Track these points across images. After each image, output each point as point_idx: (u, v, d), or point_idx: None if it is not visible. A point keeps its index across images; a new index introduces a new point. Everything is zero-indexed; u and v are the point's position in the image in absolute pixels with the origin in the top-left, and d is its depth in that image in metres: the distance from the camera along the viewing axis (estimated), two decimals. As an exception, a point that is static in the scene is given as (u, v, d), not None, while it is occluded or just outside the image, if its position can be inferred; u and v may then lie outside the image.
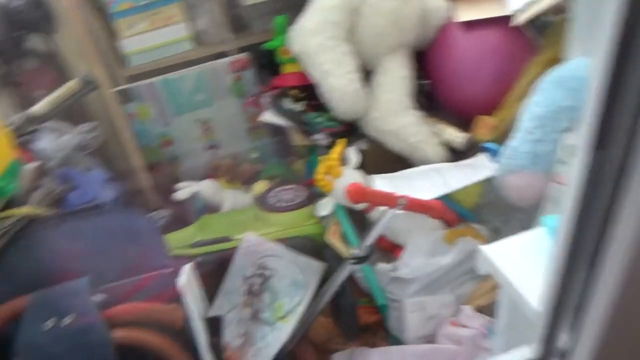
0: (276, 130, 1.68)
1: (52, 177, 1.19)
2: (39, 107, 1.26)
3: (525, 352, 0.54)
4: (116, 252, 0.93)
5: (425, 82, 1.43)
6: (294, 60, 1.45)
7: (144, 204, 1.56)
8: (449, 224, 1.17)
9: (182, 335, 0.91)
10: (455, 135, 1.31)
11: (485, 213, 1.18)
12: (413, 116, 1.34)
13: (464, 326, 1.00)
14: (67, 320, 0.81)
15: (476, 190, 1.18)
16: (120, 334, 0.82)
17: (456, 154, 1.30)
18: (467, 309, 1.02)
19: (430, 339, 1.06)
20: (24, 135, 1.28)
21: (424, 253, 1.08)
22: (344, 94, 1.32)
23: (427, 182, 1.18)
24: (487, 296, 1.03)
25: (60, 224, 0.95)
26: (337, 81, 1.32)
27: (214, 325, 1.05)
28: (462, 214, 1.20)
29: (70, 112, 1.43)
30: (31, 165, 1.03)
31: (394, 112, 1.34)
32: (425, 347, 1.01)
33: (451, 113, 1.41)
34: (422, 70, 1.43)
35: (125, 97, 1.62)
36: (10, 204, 0.96)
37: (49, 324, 0.81)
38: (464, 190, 1.15)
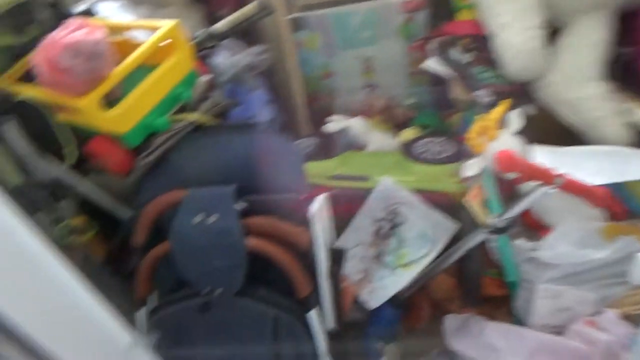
0: (437, 79, 1.60)
1: (221, 91, 1.30)
2: (220, 25, 1.37)
3: None
4: (259, 169, 0.99)
5: (626, 50, 1.21)
6: (471, 6, 1.34)
7: (295, 130, 1.64)
8: (613, 216, 1.02)
9: (306, 258, 0.97)
10: (649, 117, 1.11)
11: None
12: (599, 88, 1.16)
13: (603, 330, 0.89)
14: (212, 219, 0.92)
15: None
16: (252, 242, 0.90)
17: (643, 140, 1.11)
18: (611, 313, 0.91)
19: (556, 330, 0.97)
20: (203, 50, 1.41)
21: (573, 241, 0.97)
22: (519, 52, 1.19)
23: (599, 165, 1.03)
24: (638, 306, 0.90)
25: (220, 134, 1.05)
26: (514, 36, 1.19)
27: (337, 256, 1.09)
28: (635, 210, 1.03)
29: (246, 34, 1.52)
30: (205, 78, 1.14)
31: (577, 80, 1.17)
32: (549, 337, 0.93)
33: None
34: (625, 36, 1.21)
35: (297, 25, 1.67)
36: (182, 110, 1.09)
37: (198, 218, 0.92)
38: (645, 182, 0.98)
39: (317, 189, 1.19)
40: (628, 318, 0.90)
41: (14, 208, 0.54)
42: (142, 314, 1.01)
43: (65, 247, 1.12)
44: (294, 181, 1.00)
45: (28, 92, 1.00)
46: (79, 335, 0.56)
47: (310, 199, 0.98)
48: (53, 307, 0.53)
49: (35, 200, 1.10)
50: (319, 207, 0.98)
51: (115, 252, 1.22)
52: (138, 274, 1.00)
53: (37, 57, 0.94)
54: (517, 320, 1.06)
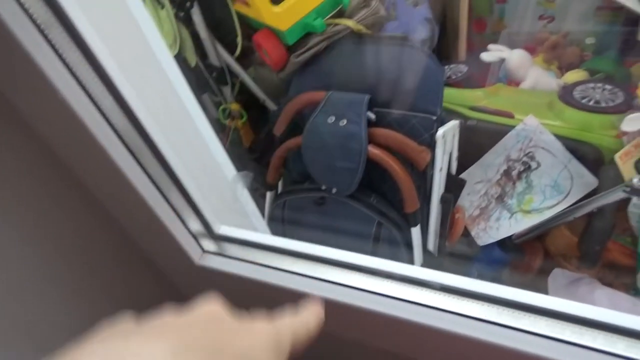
0: (628, 19, 1.38)
1: (382, 1, 1.31)
2: None
3: None
4: (398, 84, 1.01)
5: None
6: None
7: (452, 53, 1.59)
8: None
9: (423, 178, 1.00)
10: None
11: None
12: None
13: None
14: (343, 122, 0.99)
15: None
16: (374, 150, 0.96)
17: None
18: None
19: (677, 313, 0.87)
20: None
21: None
22: None
23: None
24: None
25: (370, 44, 1.08)
26: None
27: (456, 185, 1.09)
28: None
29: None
30: (368, -14, 1.15)
31: None
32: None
33: None
34: None
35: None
36: (340, 14, 1.13)
37: (331, 119, 1.00)
38: None
39: (452, 115, 1.18)
40: None
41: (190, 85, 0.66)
42: (269, 196, 1.17)
43: (222, 127, 1.32)
44: (429, 103, 1.00)
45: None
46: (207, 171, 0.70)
47: (440, 122, 0.99)
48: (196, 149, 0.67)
49: (206, 81, 1.29)
50: (445, 132, 0.98)
51: (260, 140, 1.38)
52: (271, 161, 1.13)
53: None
54: (636, 293, 0.97)
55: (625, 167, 1.02)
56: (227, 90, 1.30)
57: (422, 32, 1.36)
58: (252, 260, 0.63)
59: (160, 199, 0.58)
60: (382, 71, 1.05)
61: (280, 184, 1.19)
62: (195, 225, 0.63)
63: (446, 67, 1.47)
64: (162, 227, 0.60)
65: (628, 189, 0.85)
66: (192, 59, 1.23)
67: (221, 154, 0.71)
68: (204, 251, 0.67)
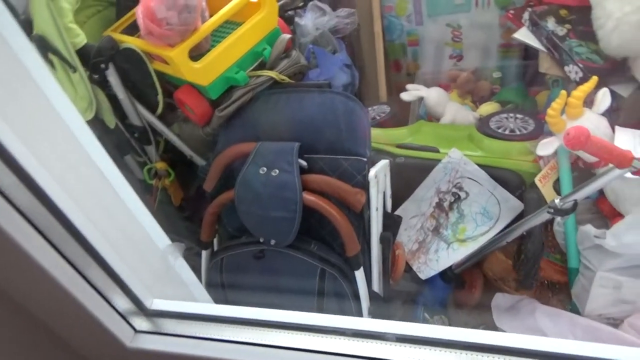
0: (527, 52, 1.51)
1: (302, 51, 1.34)
2: (309, -14, 1.39)
3: None
4: (326, 130, 1.03)
5: None
6: (573, -25, 1.23)
7: (372, 96, 1.65)
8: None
9: (360, 220, 1.00)
10: None
11: None
12: None
13: (663, 328, 0.83)
14: (275, 172, 0.98)
15: None
16: (308, 197, 0.95)
17: None
18: (677, 312, 0.84)
19: (613, 323, 0.92)
20: (290, 10, 1.45)
21: (646, 232, 0.90)
22: (622, 24, 1.09)
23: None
24: None
25: (294, 93, 1.09)
26: (619, 6, 1.08)
27: (393, 223, 1.10)
28: None
29: (335, -5, 1.54)
30: (286, 36, 1.18)
31: (684, 59, 1.05)
32: (601, 327, 0.89)
33: None
34: None
35: (388, -11, 1.65)
36: (261, 66, 1.14)
37: (263, 170, 0.98)
38: None
39: (381, 155, 1.21)
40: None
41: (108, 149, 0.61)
42: (205, 255, 1.11)
43: (148, 188, 1.26)
44: (358, 145, 1.02)
45: (130, 41, 1.10)
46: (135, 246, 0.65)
47: (370, 163, 1.00)
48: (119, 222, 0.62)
49: (128, 142, 1.24)
50: (378, 172, 1.00)
51: (190, 197, 1.34)
52: (204, 218, 1.09)
53: (139, 9, 1.03)
54: (572, 308, 1.01)
55: (545, 189, 1.08)
56: (151, 149, 1.25)
57: (342, 77, 1.40)
58: (192, 335, 0.58)
59: (76, 277, 0.52)
60: (309, 118, 1.05)
61: (215, 241, 1.14)
62: (123, 303, 0.57)
63: (369, 108, 1.51)
64: (82, 310, 0.54)
65: (552, 210, 0.90)
66: (111, 120, 1.18)
67: (149, 221, 0.66)
68: (136, 331, 0.60)
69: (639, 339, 0.84)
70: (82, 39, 1.08)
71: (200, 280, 1.03)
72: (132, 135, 1.22)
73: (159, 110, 1.20)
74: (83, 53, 1.08)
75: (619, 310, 0.92)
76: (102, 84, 1.12)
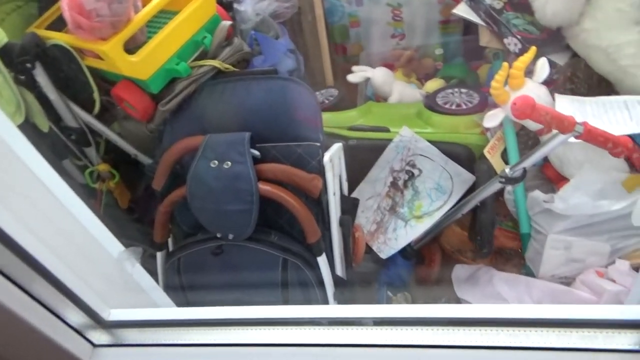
0: (468, 27, 1.54)
1: (244, 38, 1.30)
2: (245, -29, 1.35)
3: (637, 311, 0.46)
4: (276, 117, 1.00)
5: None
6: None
7: (319, 80, 1.63)
8: (636, 168, 0.98)
9: (318, 205, 0.99)
10: (688, 66, 1.04)
11: (691, 167, 0.96)
12: (637, 34, 1.08)
13: (612, 280, 0.88)
14: (227, 164, 0.94)
15: (690, 137, 0.95)
16: (264, 187, 0.93)
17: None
18: (623, 264, 0.89)
19: (566, 281, 0.96)
20: (228, -4, 1.40)
21: (590, 193, 0.94)
22: (556, -7, 1.12)
23: (625, 115, 0.99)
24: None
25: (239, 81, 1.06)
26: (551, -23, 1.11)
27: (350, 205, 1.10)
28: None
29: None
30: (227, 23, 1.13)
31: (613, 26, 1.10)
32: (555, 286, 0.93)
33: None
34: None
35: (325, -29, 1.62)
36: (204, 56, 1.09)
37: (214, 163, 0.95)
38: (673, 134, 0.94)
39: (334, 139, 1.20)
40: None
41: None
42: (160, 257, 1.07)
43: (92, 192, 1.19)
44: (310, 130, 1.00)
45: (57, 37, 1.03)
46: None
47: (324, 148, 0.99)
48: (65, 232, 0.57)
49: (65, 146, 1.16)
50: (332, 156, 0.99)
51: (138, 198, 1.28)
52: (156, 218, 1.04)
53: (64, 2, 0.96)
54: (527, 272, 1.05)
55: (494, 159, 1.11)
56: (91, 151, 1.18)
57: (288, 63, 1.37)
58: (156, 343, 0.55)
59: (20, 295, 0.48)
60: (258, 106, 1.02)
61: (170, 241, 1.10)
62: (76, 317, 0.53)
63: (317, 93, 1.50)
64: (31, 330, 0.49)
65: (503, 180, 0.92)
66: (44, 124, 1.10)
67: (97, 227, 0.62)
68: (94, 346, 0.56)
69: (590, 294, 0.89)
70: (1, 37, 1.00)
71: (159, 284, 0.99)
72: (69, 137, 1.14)
73: (96, 109, 1.13)
74: (4, 53, 1.00)
75: (570, 269, 0.97)
76: (30, 85, 1.04)
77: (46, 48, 1.03)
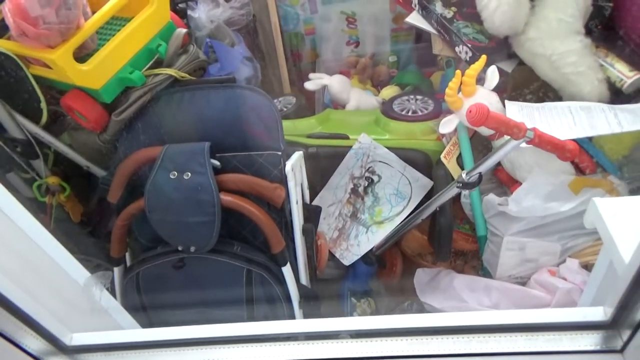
0: (420, 36, 1.58)
1: (199, 45, 1.27)
2: (199, -24, 1.33)
3: (597, 313, 0.48)
4: (236, 126, 0.99)
5: (607, 4, 1.20)
6: (454, -42, 1.31)
7: (276, 87, 1.63)
8: (581, 170, 1.04)
9: (280, 215, 0.98)
10: (624, 74, 1.11)
11: (630, 169, 1.02)
12: (578, 43, 1.15)
13: (563, 278, 0.93)
14: (187, 175, 0.92)
15: (628, 140, 1.01)
16: (226, 198, 0.91)
17: (617, 96, 1.11)
18: (573, 263, 0.94)
19: (521, 281, 1.00)
20: (182, 2, 1.38)
21: (541, 195, 0.99)
22: (502, 4, 1.17)
23: (570, 120, 1.04)
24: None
25: (195, 90, 1.04)
26: (498, -12, 1.16)
27: (312, 213, 1.10)
28: (603, 164, 1.05)
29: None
30: (182, 31, 1.11)
31: (555, 35, 1.16)
32: (512, 286, 0.97)
33: (629, 46, 1.18)
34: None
35: (279, -21, 1.63)
36: (159, 64, 1.07)
37: (173, 174, 0.93)
38: (613, 137, 1.00)
39: (294, 147, 1.20)
40: (588, 267, 0.93)
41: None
42: (118, 272, 1.03)
43: (41, 206, 1.13)
44: (271, 139, 1.00)
45: (0, 45, 0.97)
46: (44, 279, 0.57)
47: (285, 156, 0.99)
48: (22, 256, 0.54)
49: (10, 158, 1.10)
50: (294, 165, 0.99)
51: (91, 211, 1.22)
52: (113, 232, 1.00)
53: (5, 7, 0.90)
54: (485, 273, 1.09)
55: (450, 164, 1.15)
56: (39, 163, 1.12)
57: (245, 71, 1.36)
58: (121, 365, 0.52)
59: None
60: (217, 115, 1.01)
61: (127, 255, 1.06)
62: (34, 343, 0.50)
63: (275, 100, 1.49)
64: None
65: (460, 184, 0.95)
66: (-14, 136, 1.04)
67: (54, 247, 0.59)
68: (55, 373, 0.53)
69: (544, 293, 0.93)
70: (-63, 45, 0.94)
71: (117, 300, 0.95)
72: (14, 149, 1.08)
73: (43, 119, 1.07)
74: (-61, 61, 0.94)
75: (525, 269, 1.01)
76: (-31, 95, 0.98)
77: (-14, 57, 0.97)
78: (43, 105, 1.05)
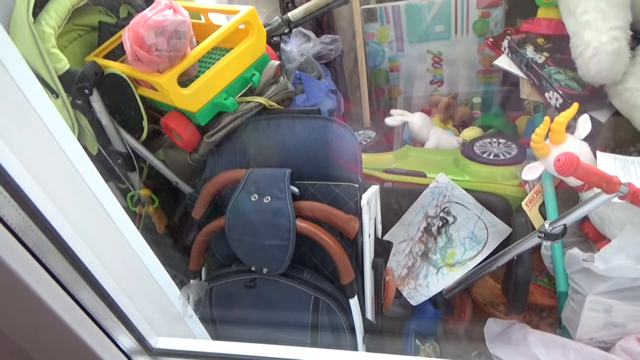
0: (507, 78, 1.55)
1: (289, 77, 1.34)
2: (294, 13, 1.41)
3: None
4: (317, 156, 1.02)
5: None
6: (552, 4, 1.28)
7: (357, 121, 1.66)
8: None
9: (352, 246, 0.99)
10: None
11: None
12: (682, 97, 1.08)
13: (654, 350, 0.85)
14: (267, 199, 0.96)
15: None
16: (301, 224, 0.94)
17: None
18: (666, 334, 0.86)
19: (604, 346, 0.93)
20: (276, 36, 1.46)
21: (633, 255, 0.92)
22: (599, 52, 1.13)
23: (670, 178, 0.97)
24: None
25: (283, 118, 1.09)
26: (596, 36, 1.13)
27: (383, 248, 1.10)
28: None
29: (319, 23, 1.55)
30: (275, 63, 1.18)
31: (658, 87, 1.10)
32: (594, 350, 0.90)
33: None
34: None
35: (370, 16, 1.68)
36: (250, 92, 1.13)
37: (254, 197, 0.97)
38: None
39: (371, 180, 1.21)
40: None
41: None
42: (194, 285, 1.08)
43: (131, 215, 1.22)
44: (350, 171, 1.02)
45: (115, 67, 1.08)
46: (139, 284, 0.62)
47: (362, 189, 1.00)
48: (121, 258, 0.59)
49: (111, 169, 1.20)
50: (369, 198, 1.00)
51: (176, 225, 1.30)
52: (193, 246, 1.06)
53: (126, 35, 1.01)
54: (563, 332, 1.02)
55: (532, 213, 1.10)
56: (134, 176, 1.22)
57: (328, 103, 1.41)
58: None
59: (77, 311, 0.49)
60: (300, 144, 1.05)
61: (203, 270, 1.11)
62: (126, 341, 0.54)
63: (355, 133, 1.52)
64: (82, 348, 0.51)
65: (542, 235, 0.92)
66: (93, 147, 1.14)
67: (148, 257, 0.64)
68: (141, 372, 0.57)
69: (631, 362, 0.86)
70: (64, 64, 1.06)
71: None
72: (116, 161, 1.19)
73: (144, 136, 1.17)
74: (66, 78, 1.06)
75: (610, 334, 0.94)
76: (85, 109, 1.09)
77: (104, 76, 1.08)
78: (145, 122, 1.15)
